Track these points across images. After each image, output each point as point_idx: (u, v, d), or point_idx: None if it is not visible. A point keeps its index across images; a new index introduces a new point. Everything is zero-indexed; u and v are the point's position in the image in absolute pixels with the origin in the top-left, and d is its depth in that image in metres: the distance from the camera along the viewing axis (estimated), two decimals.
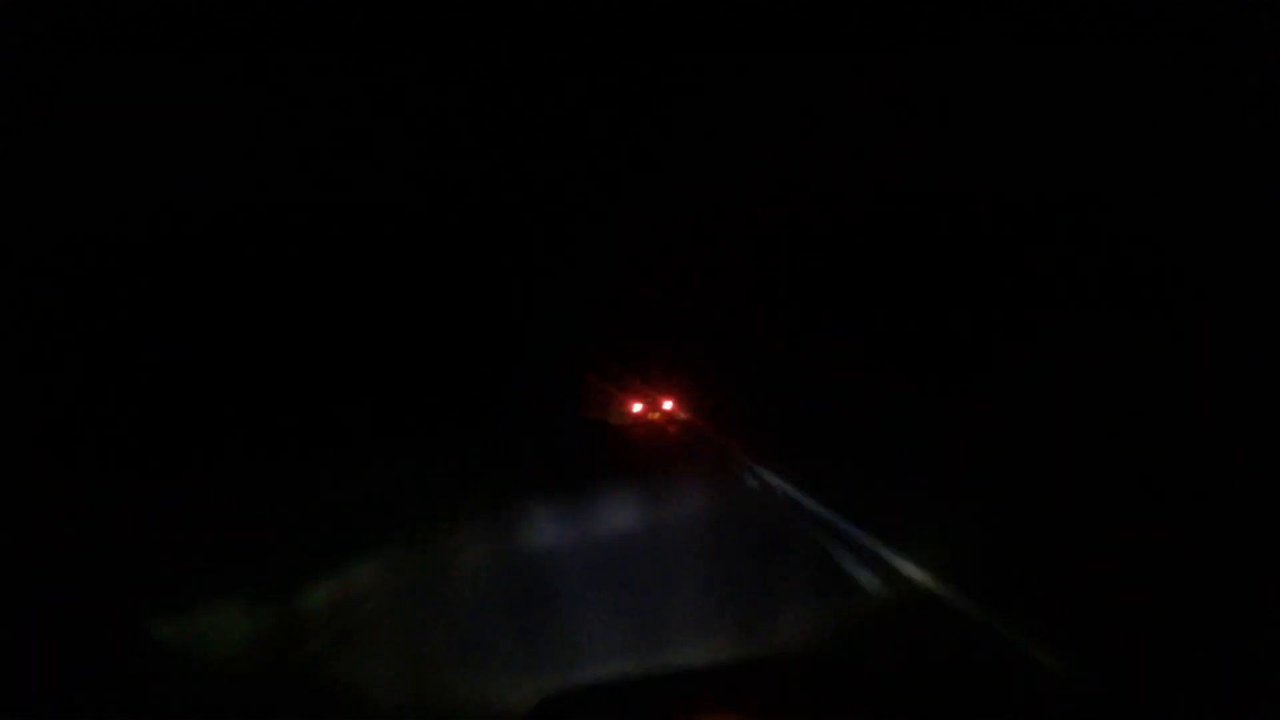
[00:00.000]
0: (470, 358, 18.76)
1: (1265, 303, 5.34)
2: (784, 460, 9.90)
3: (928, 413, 9.39)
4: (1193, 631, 2.84)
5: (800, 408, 14.97)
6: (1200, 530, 3.76)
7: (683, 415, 26.46)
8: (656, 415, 27.11)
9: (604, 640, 3.76)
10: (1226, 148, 5.85)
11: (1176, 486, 4.34)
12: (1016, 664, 2.91)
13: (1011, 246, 8.75)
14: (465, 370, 18.02)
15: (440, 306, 17.65)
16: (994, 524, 4.90)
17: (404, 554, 6.18)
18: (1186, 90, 6.06)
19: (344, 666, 3.83)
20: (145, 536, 5.86)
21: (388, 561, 5.79)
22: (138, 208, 8.23)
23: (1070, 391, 6.72)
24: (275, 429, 9.63)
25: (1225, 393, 5.10)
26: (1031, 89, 7.78)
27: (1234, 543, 3.54)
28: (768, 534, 6.50)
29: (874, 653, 3.34)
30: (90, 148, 7.34)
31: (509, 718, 1.69)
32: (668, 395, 27.81)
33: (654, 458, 15.15)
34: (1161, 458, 4.81)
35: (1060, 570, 3.84)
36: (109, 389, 7.48)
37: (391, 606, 4.89)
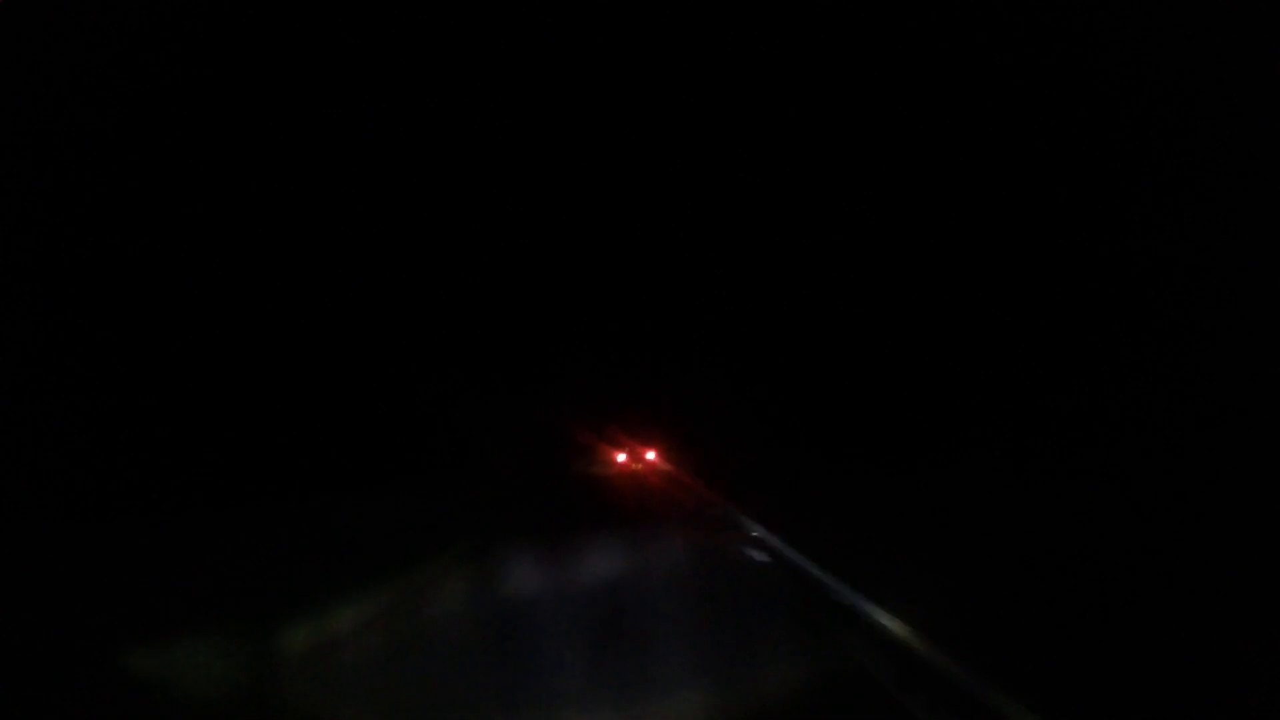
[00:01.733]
0: (462, 415, 18.80)
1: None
2: (759, 509, 9.94)
3: (902, 473, 9.44)
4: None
5: (776, 460, 15.04)
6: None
7: (664, 466, 26.44)
8: (640, 466, 27.04)
9: (582, 694, 3.76)
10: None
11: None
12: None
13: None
14: (458, 423, 18.03)
15: (435, 366, 17.76)
16: (969, 582, 4.90)
17: (384, 599, 6.14)
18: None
19: (318, 709, 3.82)
20: (126, 574, 5.85)
21: (367, 607, 5.77)
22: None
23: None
24: (255, 470, 9.62)
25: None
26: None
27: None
28: (741, 581, 6.55)
29: (852, 705, 3.39)
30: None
31: None
32: (650, 447, 27.81)
33: (636, 507, 15.11)
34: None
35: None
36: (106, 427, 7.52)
37: (372, 657, 4.86)
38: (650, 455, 27.66)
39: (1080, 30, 7.12)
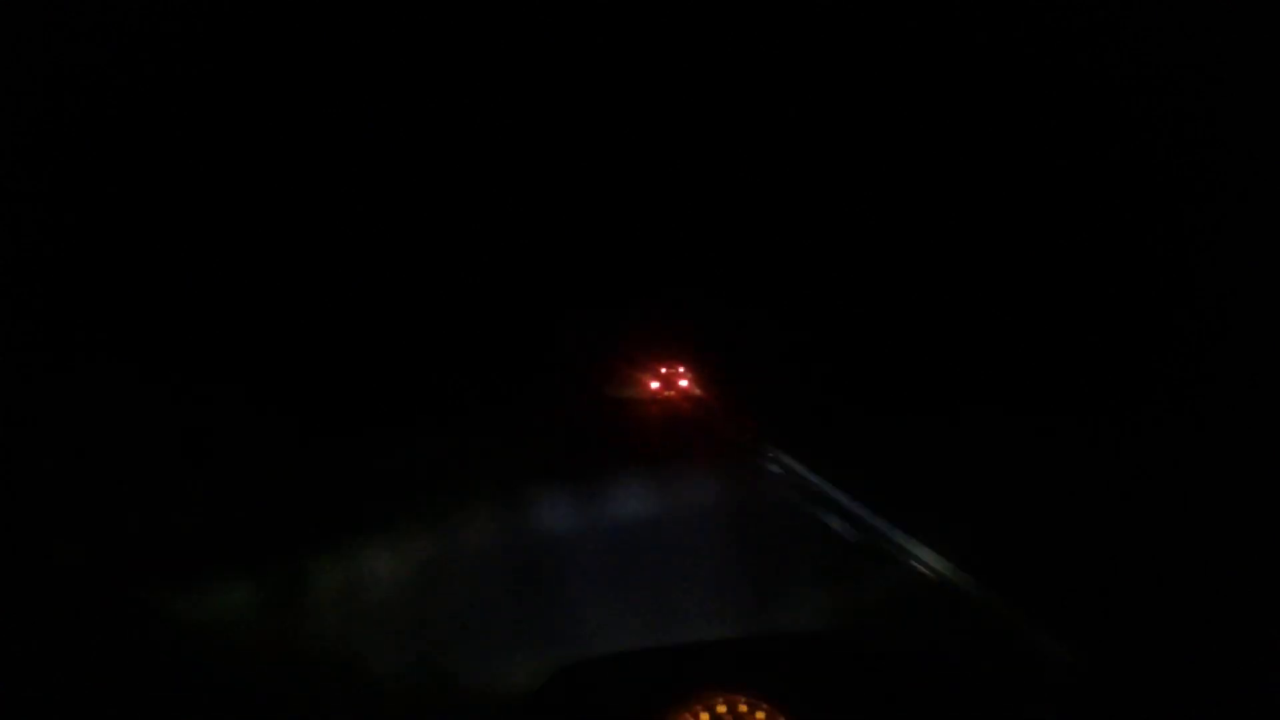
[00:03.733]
0: (500, 340, 18.92)
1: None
2: (793, 432, 9.91)
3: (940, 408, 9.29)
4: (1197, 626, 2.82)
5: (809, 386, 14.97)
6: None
7: (697, 391, 26.47)
8: (673, 392, 27.13)
9: (615, 619, 3.76)
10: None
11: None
12: (1026, 650, 2.93)
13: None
14: (494, 351, 18.18)
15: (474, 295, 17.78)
16: (1006, 517, 4.82)
17: (414, 535, 6.18)
18: None
19: (351, 646, 3.85)
20: (153, 515, 5.94)
21: (397, 543, 5.80)
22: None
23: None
24: (284, 409, 9.69)
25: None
26: None
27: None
28: (775, 511, 6.47)
29: (884, 633, 3.30)
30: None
31: (517, 695, 1.67)
32: (683, 373, 27.81)
33: (668, 432, 15.19)
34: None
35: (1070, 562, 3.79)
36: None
37: (399, 587, 4.90)
38: (684, 383, 27.71)
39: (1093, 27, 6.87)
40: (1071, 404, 6.82)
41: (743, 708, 1.38)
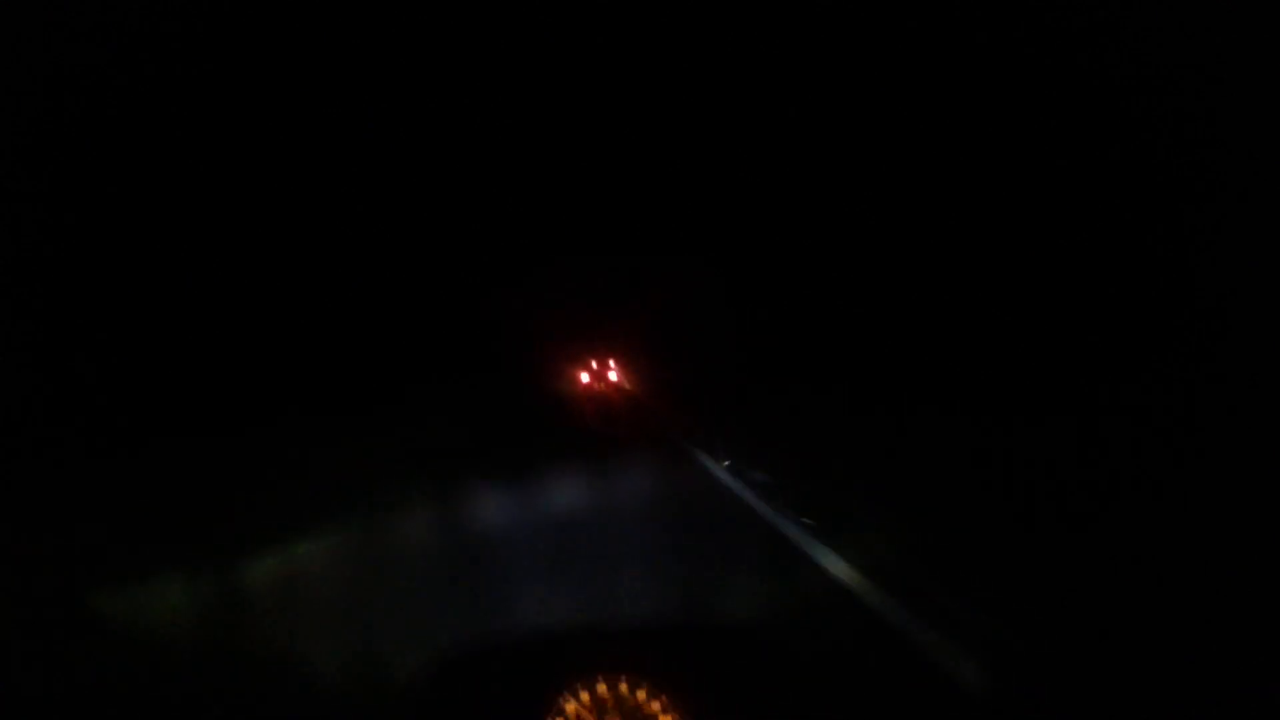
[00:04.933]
0: (434, 332, 18.58)
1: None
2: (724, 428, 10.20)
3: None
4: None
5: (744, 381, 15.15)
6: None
7: (628, 385, 26.71)
8: (602, 385, 27.27)
9: (547, 608, 3.88)
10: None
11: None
12: (933, 665, 2.91)
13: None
14: (420, 349, 17.87)
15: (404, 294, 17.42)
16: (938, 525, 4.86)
17: (349, 528, 6.25)
18: None
19: (284, 636, 3.91)
20: (87, 508, 5.83)
21: (333, 536, 5.88)
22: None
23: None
24: (214, 402, 9.51)
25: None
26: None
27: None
28: (701, 504, 6.73)
29: (790, 631, 3.28)
30: None
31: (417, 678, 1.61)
32: (613, 367, 27.96)
33: (599, 423, 15.40)
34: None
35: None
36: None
37: (334, 578, 4.96)
38: (613, 376, 27.86)
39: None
40: (1021, 407, 6.74)
41: (623, 688, 1.42)
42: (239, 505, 6.65)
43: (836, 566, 4.36)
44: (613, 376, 27.79)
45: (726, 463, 8.39)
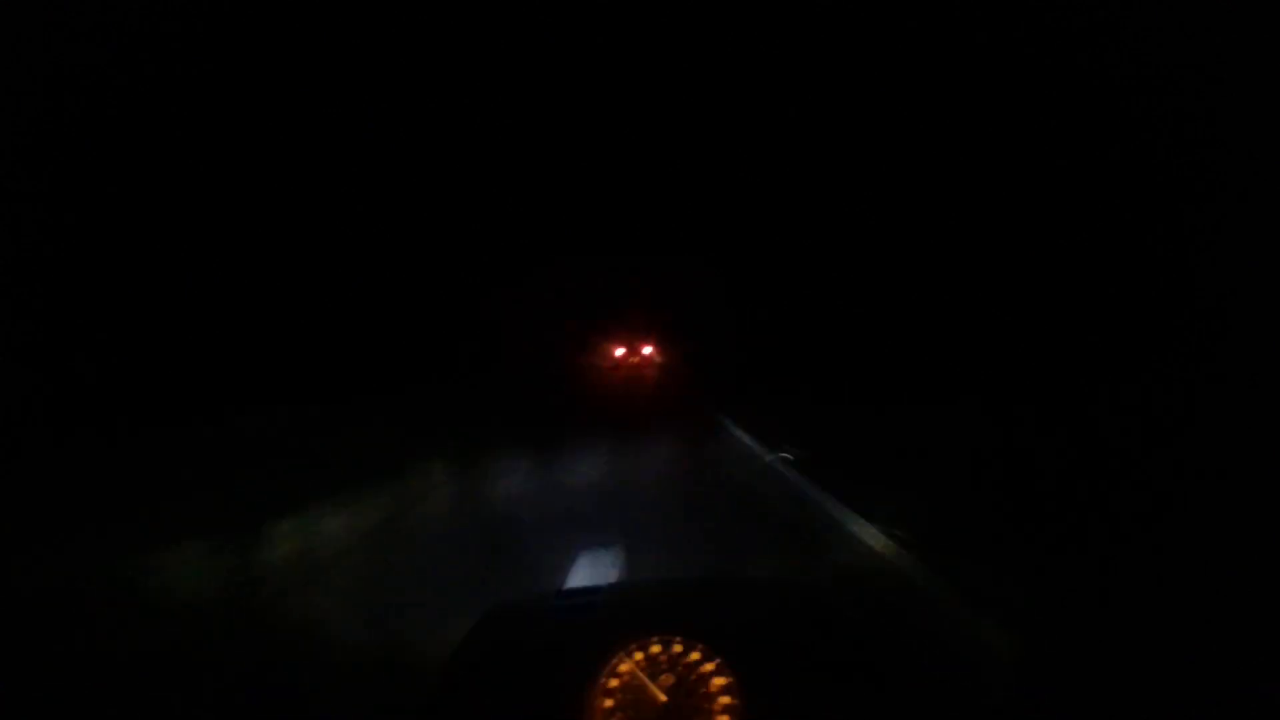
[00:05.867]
0: (465, 314, 18.75)
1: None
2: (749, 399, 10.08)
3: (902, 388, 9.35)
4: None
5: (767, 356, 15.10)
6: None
7: (660, 359, 26.69)
8: (636, 359, 27.30)
9: (569, 577, 3.74)
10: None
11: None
12: (972, 634, 2.93)
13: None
14: (461, 324, 18.03)
15: (438, 272, 17.55)
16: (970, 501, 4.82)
17: (378, 501, 6.19)
18: None
19: (302, 605, 3.86)
20: (109, 480, 5.91)
21: (362, 511, 5.82)
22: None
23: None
24: (246, 382, 9.62)
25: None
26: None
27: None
28: (733, 476, 6.67)
29: (834, 595, 3.30)
30: None
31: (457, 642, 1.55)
32: (647, 340, 27.96)
33: (633, 397, 15.40)
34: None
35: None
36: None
37: (356, 548, 4.90)
38: (647, 350, 27.88)
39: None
40: (1038, 393, 6.79)
41: (677, 648, 1.38)
42: (261, 483, 6.65)
43: (869, 533, 4.33)
44: (647, 350, 27.81)
45: (755, 437, 8.30)
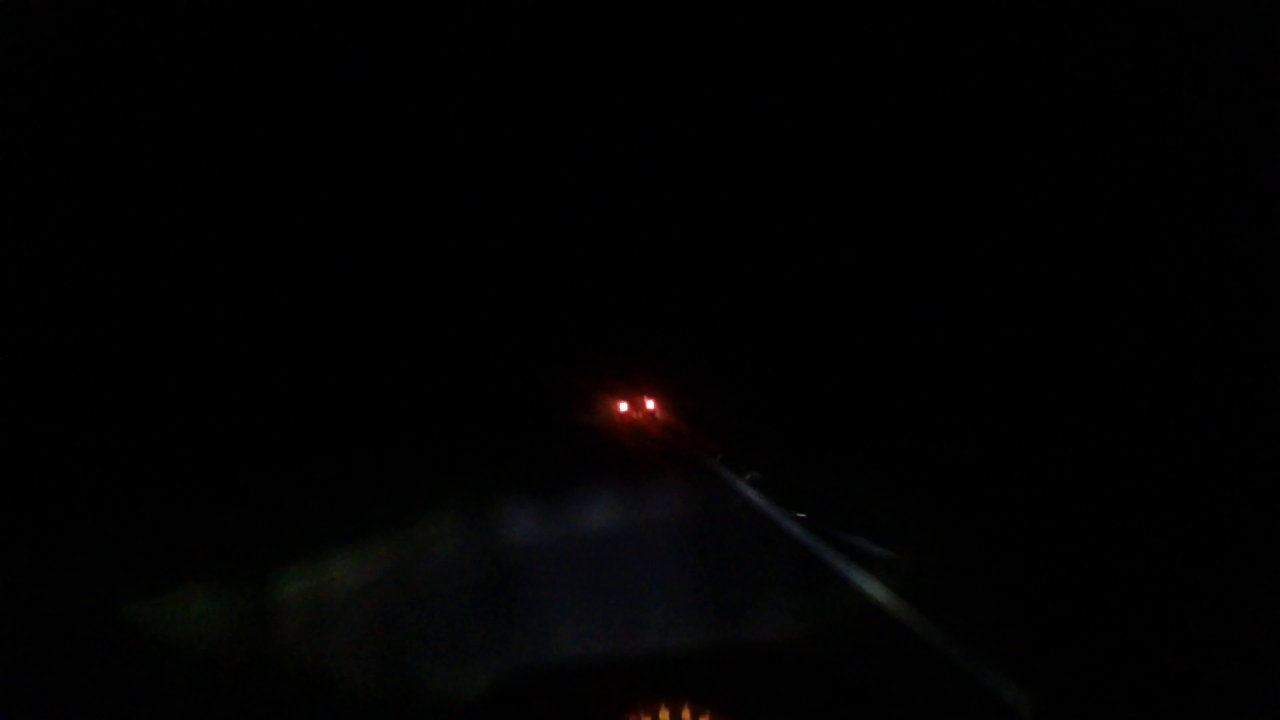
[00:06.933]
0: (473, 373, 18.85)
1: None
2: (753, 456, 10.03)
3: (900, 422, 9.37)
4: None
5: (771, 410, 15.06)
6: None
7: (663, 415, 26.65)
8: (640, 415, 27.30)
9: (579, 629, 3.75)
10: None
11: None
12: (975, 690, 2.84)
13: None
14: (468, 383, 18.11)
15: (447, 330, 17.74)
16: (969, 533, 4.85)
17: (384, 545, 6.19)
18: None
19: (313, 653, 3.84)
20: (122, 524, 5.89)
21: (366, 554, 5.83)
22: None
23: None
24: (252, 422, 9.64)
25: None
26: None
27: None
28: (737, 524, 6.61)
29: (840, 655, 3.15)
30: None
31: (473, 704, 1.57)
32: (650, 397, 28.04)
33: (637, 452, 15.29)
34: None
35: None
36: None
37: (365, 595, 4.89)
38: (650, 405, 27.91)
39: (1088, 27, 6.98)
40: (1044, 418, 6.78)
41: (685, 715, 1.37)
42: (273, 520, 6.66)
43: (870, 586, 4.26)
44: (649, 405, 27.83)
45: (755, 484, 8.25)
